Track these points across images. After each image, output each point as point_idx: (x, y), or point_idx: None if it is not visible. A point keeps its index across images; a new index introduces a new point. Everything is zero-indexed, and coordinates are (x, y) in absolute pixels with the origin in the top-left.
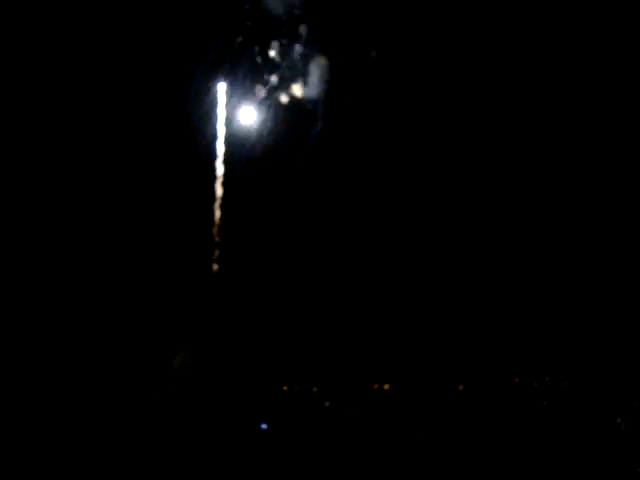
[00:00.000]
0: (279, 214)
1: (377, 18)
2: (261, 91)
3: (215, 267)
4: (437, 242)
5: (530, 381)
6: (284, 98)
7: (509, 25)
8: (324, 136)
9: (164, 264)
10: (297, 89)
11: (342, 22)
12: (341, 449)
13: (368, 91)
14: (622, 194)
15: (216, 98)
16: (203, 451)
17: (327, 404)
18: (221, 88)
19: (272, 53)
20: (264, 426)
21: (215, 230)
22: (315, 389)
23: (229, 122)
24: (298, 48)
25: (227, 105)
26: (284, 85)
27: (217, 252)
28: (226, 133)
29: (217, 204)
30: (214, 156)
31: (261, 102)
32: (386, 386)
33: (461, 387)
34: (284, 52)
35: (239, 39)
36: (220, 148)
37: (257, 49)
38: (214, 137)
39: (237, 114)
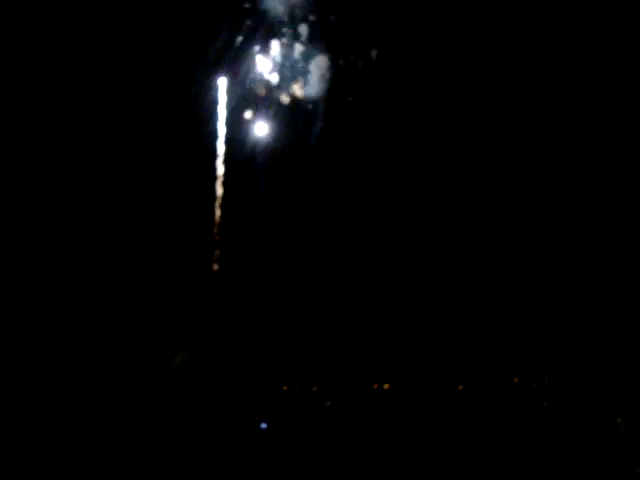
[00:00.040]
0: (279, 214)
1: (377, 18)
2: (261, 91)
3: (215, 267)
4: (437, 242)
5: (530, 381)
6: (284, 97)
7: (509, 25)
8: (324, 136)
9: (164, 264)
10: (297, 89)
11: (342, 22)
12: (341, 449)
13: (368, 91)
14: (622, 194)
15: (216, 97)
16: (203, 451)
17: (327, 404)
18: (221, 87)
19: (272, 52)
20: (264, 425)
21: (215, 230)
22: (315, 389)
23: (229, 122)
24: (298, 47)
25: (227, 104)
26: (284, 84)
27: (217, 252)
28: (226, 133)
29: (217, 203)
30: (214, 155)
31: (261, 102)
32: (386, 386)
33: (461, 387)
34: (284, 51)
35: (239, 38)
36: (220, 147)
37: (257, 48)
38: (214, 136)
39: (237, 113)
